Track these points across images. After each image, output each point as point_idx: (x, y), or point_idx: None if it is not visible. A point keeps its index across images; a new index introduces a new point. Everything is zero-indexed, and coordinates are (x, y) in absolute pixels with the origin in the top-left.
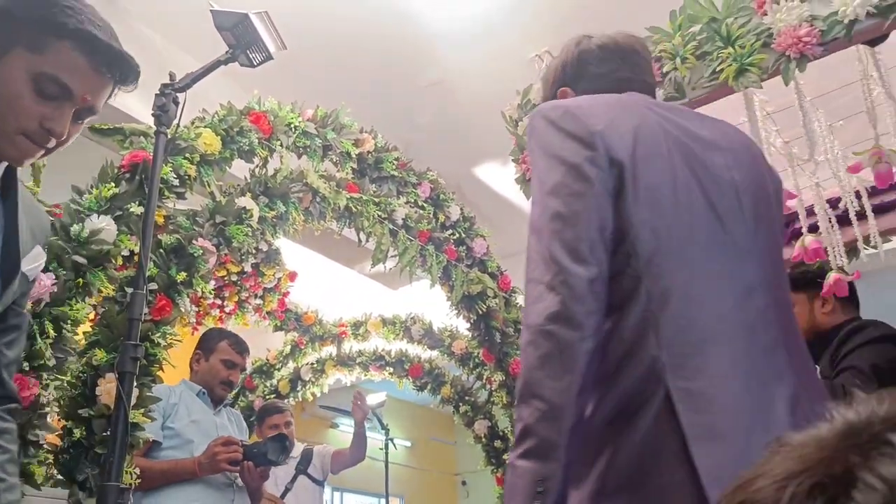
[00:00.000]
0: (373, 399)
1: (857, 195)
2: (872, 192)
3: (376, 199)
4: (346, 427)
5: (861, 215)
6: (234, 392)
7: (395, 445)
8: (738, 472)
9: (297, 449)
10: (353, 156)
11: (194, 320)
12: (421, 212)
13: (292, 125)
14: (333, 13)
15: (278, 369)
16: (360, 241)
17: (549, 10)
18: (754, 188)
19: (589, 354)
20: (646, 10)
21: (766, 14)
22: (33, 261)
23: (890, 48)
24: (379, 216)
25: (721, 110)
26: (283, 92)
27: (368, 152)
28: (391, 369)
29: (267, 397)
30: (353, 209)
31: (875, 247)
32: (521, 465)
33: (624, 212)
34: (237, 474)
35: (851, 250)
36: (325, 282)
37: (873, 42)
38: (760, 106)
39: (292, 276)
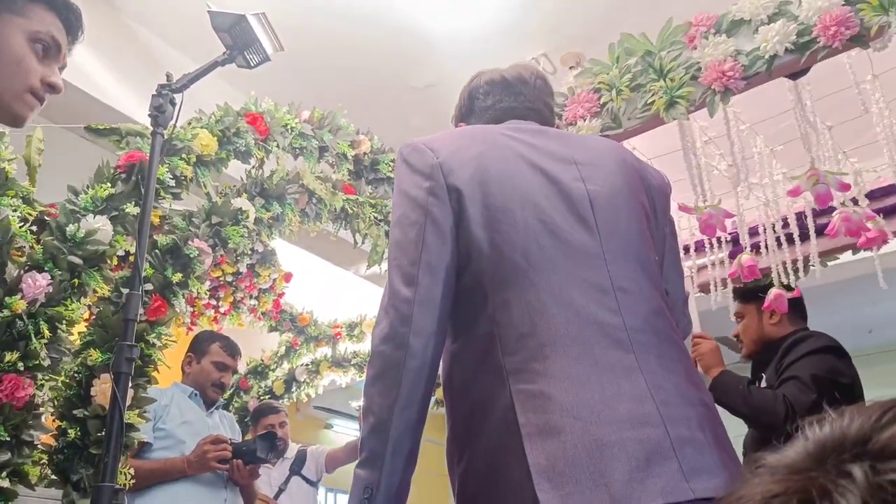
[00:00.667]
0: None
1: (802, 216)
2: (821, 211)
3: (372, 201)
4: (341, 428)
5: (804, 235)
6: (228, 394)
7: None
8: (574, 464)
9: (292, 450)
10: (350, 157)
11: (189, 321)
12: None
13: (289, 126)
14: (330, 15)
15: (273, 370)
16: (355, 242)
17: (545, 13)
18: (614, 198)
19: (415, 373)
20: (638, 15)
21: (696, 48)
22: None
23: (828, 76)
24: (375, 218)
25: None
26: (280, 93)
27: (365, 154)
28: None
29: (262, 398)
30: (350, 211)
31: (824, 264)
32: (356, 473)
33: (467, 233)
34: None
35: (797, 269)
36: (320, 283)
37: (795, 76)
38: (702, 131)
39: (288, 278)
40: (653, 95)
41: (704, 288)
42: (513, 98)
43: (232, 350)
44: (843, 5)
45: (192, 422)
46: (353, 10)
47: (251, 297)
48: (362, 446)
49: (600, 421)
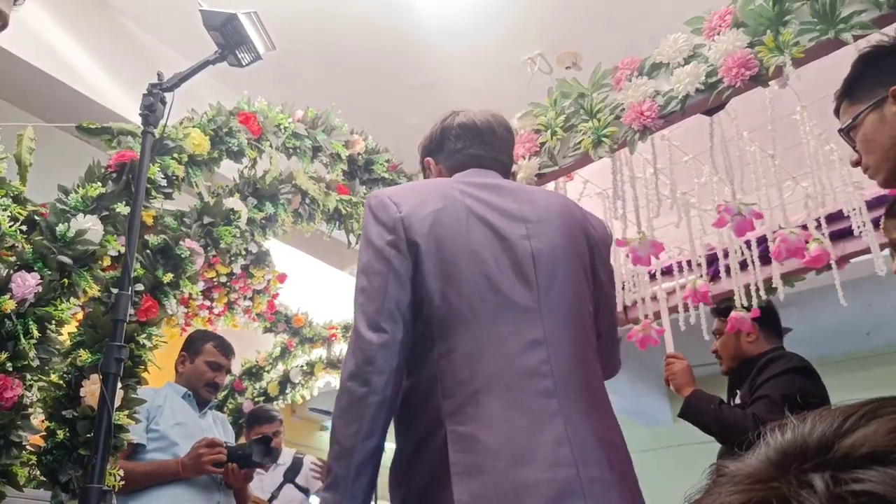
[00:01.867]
0: None
1: (764, 238)
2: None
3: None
4: None
5: (766, 259)
6: (222, 395)
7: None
8: (493, 502)
9: (288, 455)
10: (344, 157)
11: (183, 321)
12: None
13: (282, 126)
14: (325, 14)
15: (268, 371)
16: (349, 243)
17: (542, 14)
18: (556, 254)
19: (376, 407)
20: (632, 14)
21: (621, 90)
22: None
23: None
24: None
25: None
26: (274, 92)
27: (359, 154)
28: None
29: (256, 400)
30: (343, 211)
31: (791, 284)
32: (321, 496)
33: (422, 284)
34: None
35: (769, 288)
36: (315, 284)
37: (710, 112)
38: (646, 162)
39: (282, 278)
40: (582, 135)
41: (674, 310)
42: (481, 147)
43: (226, 349)
44: (745, 48)
45: (185, 423)
46: (348, 8)
47: (245, 297)
48: (328, 471)
49: (520, 463)
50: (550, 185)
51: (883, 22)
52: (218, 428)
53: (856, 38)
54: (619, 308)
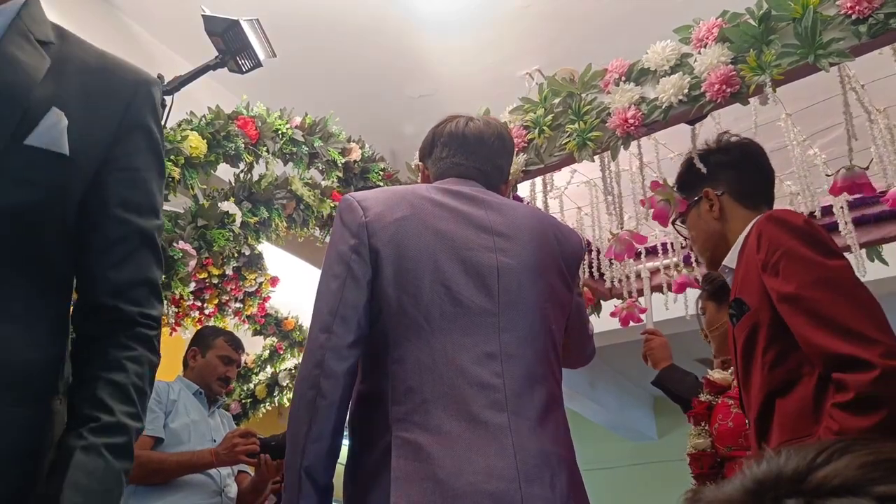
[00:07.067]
0: None
1: None
2: None
3: None
4: None
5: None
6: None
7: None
8: None
9: None
10: (340, 165)
11: (173, 321)
12: None
13: (279, 132)
14: (326, 22)
15: (256, 374)
16: None
17: (541, 28)
18: (522, 270)
19: (325, 410)
20: (629, 31)
21: (609, 92)
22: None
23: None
24: None
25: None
26: (273, 98)
27: (355, 161)
28: None
29: (244, 401)
30: None
31: None
32: (282, 496)
33: (380, 291)
34: (228, 483)
35: None
36: (306, 288)
37: (692, 122)
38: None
39: (274, 282)
40: (568, 136)
41: (658, 289)
42: (464, 156)
43: (236, 344)
44: (729, 63)
45: (197, 422)
46: (349, 17)
47: (236, 299)
48: (285, 471)
49: (460, 473)
50: (539, 176)
51: (859, 51)
52: (225, 428)
53: (832, 65)
54: (608, 284)
